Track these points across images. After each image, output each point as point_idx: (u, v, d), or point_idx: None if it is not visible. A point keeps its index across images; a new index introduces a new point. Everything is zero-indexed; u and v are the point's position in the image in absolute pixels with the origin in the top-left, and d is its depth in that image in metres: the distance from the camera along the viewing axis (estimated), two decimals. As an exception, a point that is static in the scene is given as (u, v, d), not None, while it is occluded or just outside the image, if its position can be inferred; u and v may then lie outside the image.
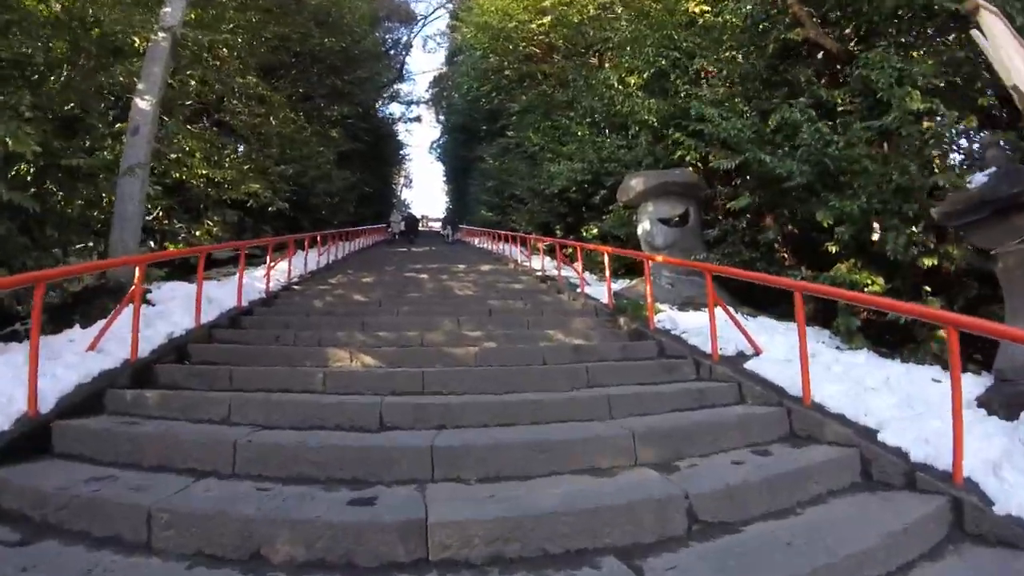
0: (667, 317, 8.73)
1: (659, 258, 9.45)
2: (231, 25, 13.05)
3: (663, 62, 13.14)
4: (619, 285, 11.74)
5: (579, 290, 11.74)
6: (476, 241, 28.29)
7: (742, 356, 6.85)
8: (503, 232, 21.47)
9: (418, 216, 42.07)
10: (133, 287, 6.31)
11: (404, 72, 44.72)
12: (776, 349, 6.81)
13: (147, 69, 9.45)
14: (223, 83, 12.99)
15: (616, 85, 15.25)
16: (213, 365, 6.24)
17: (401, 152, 46.65)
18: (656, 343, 7.81)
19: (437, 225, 54.40)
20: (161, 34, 9.31)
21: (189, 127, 12.25)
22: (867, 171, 8.55)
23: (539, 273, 14.45)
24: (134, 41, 9.41)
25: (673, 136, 12.08)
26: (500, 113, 26.11)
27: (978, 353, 7.40)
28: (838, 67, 10.65)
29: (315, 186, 18.06)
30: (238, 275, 9.29)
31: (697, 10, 12.96)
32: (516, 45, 20.22)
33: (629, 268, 14.96)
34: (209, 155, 12.08)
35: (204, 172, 11.64)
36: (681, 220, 11.68)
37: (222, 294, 9.14)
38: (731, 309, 7.36)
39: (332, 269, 15.18)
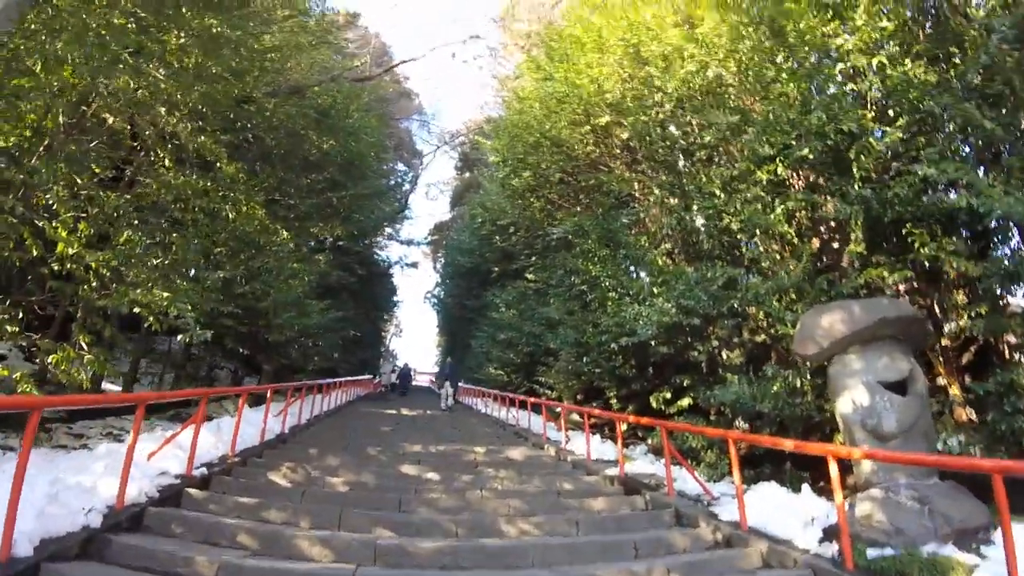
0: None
1: None
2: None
3: (833, 135, 8.59)
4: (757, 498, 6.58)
5: (725, 519, 6.39)
6: (478, 404, 22.79)
7: None
8: (521, 397, 16.15)
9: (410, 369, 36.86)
10: None
11: (407, 209, 41.09)
12: None
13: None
14: (151, 122, 8.11)
15: (718, 193, 10.67)
16: None
17: (395, 297, 41.99)
18: None
19: (425, 379, 49.46)
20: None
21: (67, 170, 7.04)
22: None
23: (612, 473, 8.96)
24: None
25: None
26: (515, 254, 22.04)
27: None
28: None
29: (278, 314, 12.67)
30: (14, 471, 3.74)
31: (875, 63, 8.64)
32: (562, 154, 15.89)
33: (748, 459, 9.66)
34: (90, 222, 6.88)
35: (73, 251, 6.35)
36: (902, 384, 6.76)
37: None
38: None
39: (283, 447, 9.50)
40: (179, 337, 7.98)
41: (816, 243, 9.73)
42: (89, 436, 7.42)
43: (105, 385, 10.47)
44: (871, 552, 5.27)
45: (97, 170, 8.10)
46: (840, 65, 9.13)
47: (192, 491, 5.85)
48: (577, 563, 5.18)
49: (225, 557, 4.26)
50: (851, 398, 6.76)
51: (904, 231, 7.74)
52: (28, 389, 6.43)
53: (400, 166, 42.65)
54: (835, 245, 10.01)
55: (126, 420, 9.29)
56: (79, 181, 7.42)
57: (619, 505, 7.49)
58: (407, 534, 5.55)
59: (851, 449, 5.98)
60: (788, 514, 6.40)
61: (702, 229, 11.17)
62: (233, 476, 6.93)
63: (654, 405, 11.18)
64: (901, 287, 8.79)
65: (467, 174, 45.69)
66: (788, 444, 6.17)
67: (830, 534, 5.73)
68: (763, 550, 5.65)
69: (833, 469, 5.38)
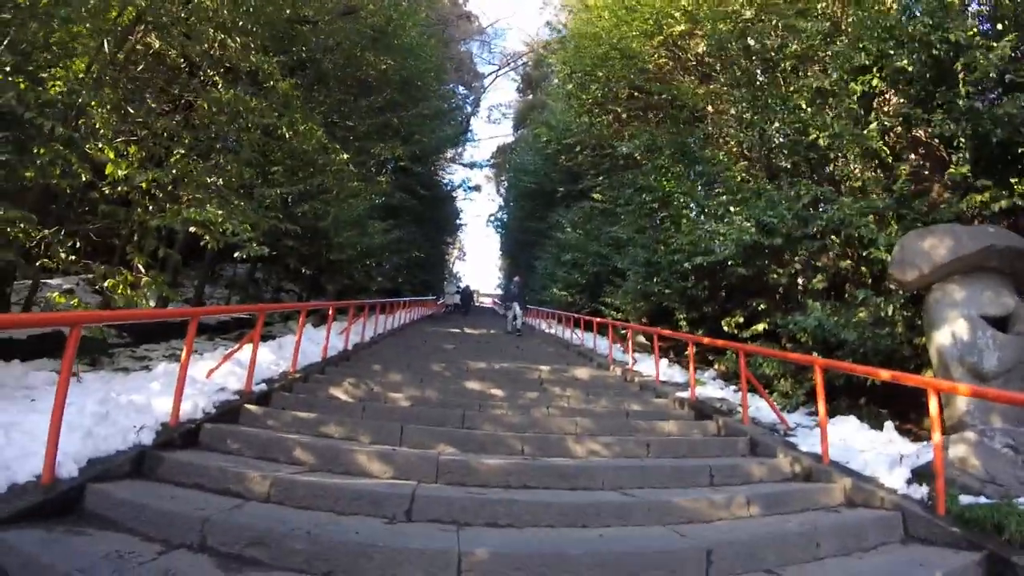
0: None
1: None
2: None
3: (938, 45, 7.65)
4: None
5: (803, 451, 5.97)
6: (542, 325, 22.66)
7: None
8: (587, 318, 15.87)
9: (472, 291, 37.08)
10: None
11: (469, 132, 40.33)
12: None
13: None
14: (203, 47, 7.80)
15: (805, 106, 9.72)
16: None
17: (458, 220, 41.77)
18: None
19: (487, 301, 49.86)
20: None
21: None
22: None
23: (682, 396, 8.59)
24: None
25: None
26: (581, 174, 21.20)
27: None
28: None
29: (338, 233, 12.49)
30: (56, 392, 3.60)
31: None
32: (632, 67, 14.80)
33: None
34: (141, 145, 6.69)
35: (122, 172, 6.18)
36: (1003, 321, 6.19)
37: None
38: None
39: (345, 364, 9.46)
40: (236, 255, 7.87)
41: (906, 166, 8.82)
42: (151, 358, 7.44)
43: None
44: (963, 499, 4.75)
45: (152, 104, 7.86)
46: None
47: (250, 407, 5.75)
48: (649, 486, 4.85)
49: (279, 473, 4.09)
50: (951, 331, 6.15)
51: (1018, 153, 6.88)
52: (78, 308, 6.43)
53: (461, 89, 41.60)
54: (926, 171, 9.08)
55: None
56: (130, 110, 7.21)
57: (690, 429, 7.12)
58: (470, 450, 5.34)
59: (956, 384, 5.37)
60: (871, 451, 5.99)
61: (785, 144, 10.26)
62: (294, 392, 6.87)
63: (726, 329, 10.66)
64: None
65: (530, 96, 44.36)
66: (884, 374, 5.58)
67: (919, 476, 5.23)
68: (846, 486, 5.20)
69: (933, 405, 4.80)
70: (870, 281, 9.09)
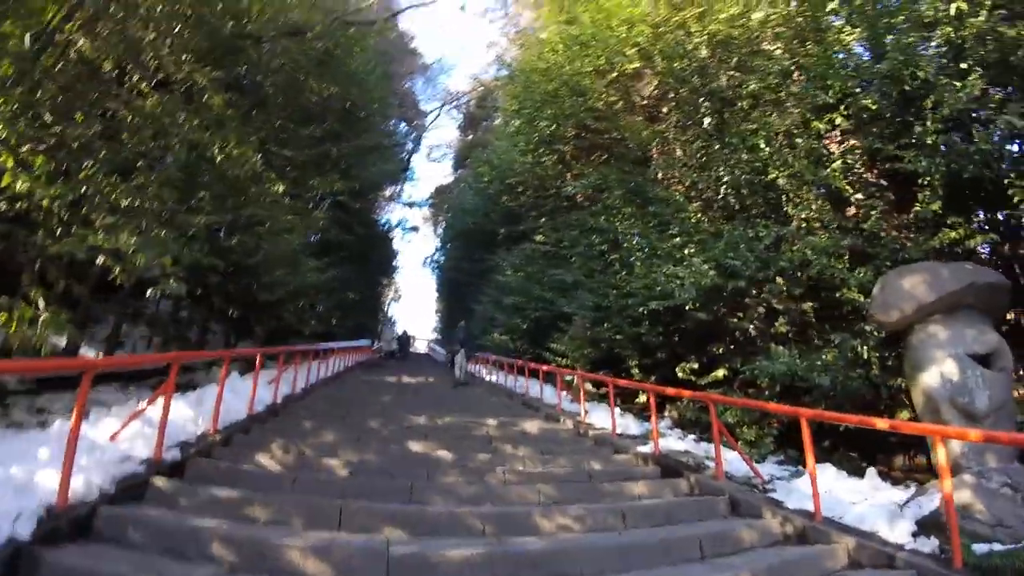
0: None
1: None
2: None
3: (909, 82, 7.68)
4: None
5: (791, 507, 5.48)
6: (481, 371, 21.86)
7: None
8: (533, 365, 15.06)
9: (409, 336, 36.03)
10: None
11: (409, 170, 39.74)
12: None
13: None
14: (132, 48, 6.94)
15: (763, 145, 9.61)
16: None
17: (394, 263, 40.62)
18: None
19: (422, 346, 48.61)
20: None
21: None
22: None
23: (643, 450, 8.04)
24: None
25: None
26: (523, 215, 20.77)
27: None
28: None
29: (269, 272, 11.46)
30: None
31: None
32: (582, 104, 14.51)
33: (789, 438, 8.70)
34: (49, 155, 5.71)
35: (21, 186, 5.15)
36: (986, 358, 6.02)
37: None
38: None
39: (274, 420, 8.45)
40: (149, 292, 6.93)
41: (878, 204, 8.76)
42: (52, 411, 6.33)
43: (84, 351, 9.40)
44: (977, 547, 4.38)
45: (80, 118, 6.91)
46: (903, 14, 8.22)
47: (159, 481, 4.74)
48: (636, 568, 4.19)
49: (189, 581, 3.21)
50: (939, 372, 5.87)
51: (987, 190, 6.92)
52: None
53: (403, 126, 41.08)
54: (880, 208, 9.08)
55: (100, 391, 8.20)
56: (44, 115, 6.26)
57: (661, 490, 6.50)
58: (424, 533, 4.52)
59: (964, 430, 5.01)
60: (861, 502, 5.62)
61: (743, 184, 10.05)
62: (213, 458, 5.87)
63: (680, 376, 10.23)
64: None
65: (471, 136, 44.24)
66: (881, 424, 5.17)
67: (925, 527, 4.86)
68: (849, 546, 4.74)
69: (940, 453, 4.44)
70: (815, 320, 8.92)
